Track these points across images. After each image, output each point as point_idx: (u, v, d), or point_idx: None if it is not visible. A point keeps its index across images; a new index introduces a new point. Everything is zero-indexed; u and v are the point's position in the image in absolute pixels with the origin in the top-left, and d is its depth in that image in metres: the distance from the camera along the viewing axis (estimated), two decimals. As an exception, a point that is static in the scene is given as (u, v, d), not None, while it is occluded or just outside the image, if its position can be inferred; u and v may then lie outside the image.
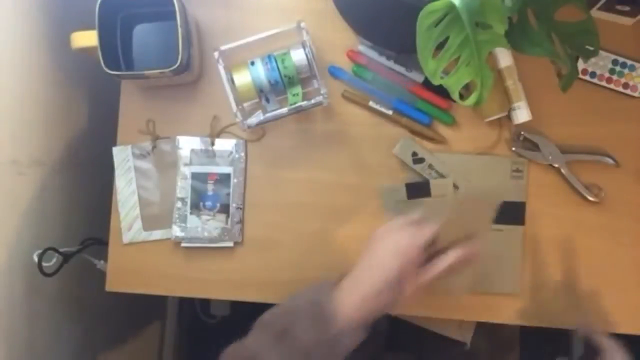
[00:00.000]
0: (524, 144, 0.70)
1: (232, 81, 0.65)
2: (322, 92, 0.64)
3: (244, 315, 0.60)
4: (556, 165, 0.69)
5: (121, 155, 0.71)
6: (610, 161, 0.70)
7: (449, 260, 0.54)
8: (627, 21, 0.70)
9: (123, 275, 0.70)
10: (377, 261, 0.55)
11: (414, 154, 0.69)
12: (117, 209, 0.70)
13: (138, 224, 0.70)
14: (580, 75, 0.70)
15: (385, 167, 0.70)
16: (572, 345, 0.69)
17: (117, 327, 0.99)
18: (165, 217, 0.70)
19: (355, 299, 0.54)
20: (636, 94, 0.70)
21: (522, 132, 0.69)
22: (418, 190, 0.69)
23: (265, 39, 0.64)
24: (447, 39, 0.52)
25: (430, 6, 0.50)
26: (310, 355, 0.53)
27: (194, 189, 0.70)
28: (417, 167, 0.69)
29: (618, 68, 0.70)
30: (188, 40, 0.64)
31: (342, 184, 0.70)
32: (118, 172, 0.71)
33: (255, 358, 0.53)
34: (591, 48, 0.56)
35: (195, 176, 0.70)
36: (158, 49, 0.69)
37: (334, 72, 0.70)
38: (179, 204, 0.69)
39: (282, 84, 0.65)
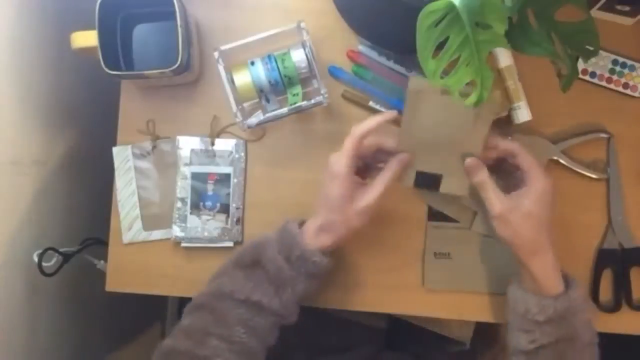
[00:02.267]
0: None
1: (232, 81, 0.64)
2: (322, 92, 0.64)
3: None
4: (554, 158, 0.69)
5: (121, 155, 0.71)
6: (604, 135, 0.70)
7: (385, 177, 0.59)
8: (627, 21, 0.70)
9: (123, 275, 0.70)
10: (322, 190, 0.60)
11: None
12: (117, 209, 0.70)
13: (138, 224, 0.70)
14: (580, 75, 0.70)
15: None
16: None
17: (117, 327, 0.99)
18: (165, 217, 0.70)
19: (311, 226, 0.59)
20: (636, 94, 0.70)
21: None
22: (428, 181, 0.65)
23: (265, 39, 0.64)
24: (447, 39, 0.52)
25: (430, 6, 0.50)
26: (279, 279, 0.58)
27: (194, 189, 0.70)
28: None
29: (618, 68, 0.70)
30: (188, 40, 0.64)
31: (342, 184, 0.70)
32: (118, 172, 0.71)
33: (233, 294, 0.58)
34: (591, 48, 0.56)
35: (195, 176, 0.70)
36: (158, 49, 0.69)
37: (334, 72, 0.70)
38: (179, 204, 0.69)
39: (282, 84, 0.65)
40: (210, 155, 0.70)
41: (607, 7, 0.68)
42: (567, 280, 0.60)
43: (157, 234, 0.70)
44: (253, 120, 0.66)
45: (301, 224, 0.62)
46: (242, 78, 0.65)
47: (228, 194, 0.70)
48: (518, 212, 0.59)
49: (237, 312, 0.58)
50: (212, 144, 0.70)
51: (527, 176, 0.59)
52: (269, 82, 0.65)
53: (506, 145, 0.61)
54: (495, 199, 0.59)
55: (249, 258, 0.60)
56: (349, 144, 0.59)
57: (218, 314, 0.58)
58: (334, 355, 0.81)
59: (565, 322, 0.58)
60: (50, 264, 0.69)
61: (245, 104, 0.67)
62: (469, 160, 0.60)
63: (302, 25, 0.64)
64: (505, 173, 0.63)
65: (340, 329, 0.84)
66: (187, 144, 0.70)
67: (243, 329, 0.58)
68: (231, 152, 0.70)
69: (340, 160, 0.58)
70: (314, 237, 0.59)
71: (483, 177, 0.60)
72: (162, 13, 0.66)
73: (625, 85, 0.70)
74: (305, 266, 0.58)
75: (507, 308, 0.63)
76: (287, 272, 0.58)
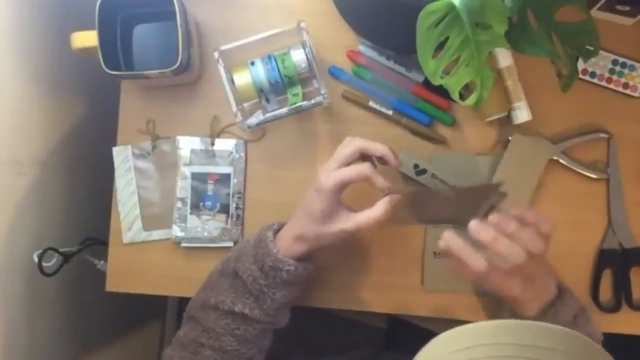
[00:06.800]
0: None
1: (232, 81, 0.64)
2: (322, 92, 0.64)
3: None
4: (554, 158, 0.69)
5: (121, 155, 0.71)
6: (604, 135, 0.70)
7: (369, 217, 0.56)
8: (627, 21, 0.70)
9: (123, 275, 0.70)
10: (304, 199, 0.59)
11: (416, 165, 0.69)
12: (117, 209, 0.70)
13: (138, 224, 0.70)
14: (580, 75, 0.70)
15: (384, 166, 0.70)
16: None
17: (117, 327, 0.99)
18: (165, 217, 0.70)
19: (287, 234, 0.59)
20: (636, 94, 0.70)
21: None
22: None
23: (265, 39, 0.64)
24: (447, 39, 0.52)
25: (430, 6, 0.50)
26: (256, 289, 0.58)
27: (194, 189, 0.70)
28: (421, 178, 0.68)
29: (618, 68, 0.70)
30: (188, 40, 0.64)
31: (342, 184, 0.70)
32: (118, 172, 0.71)
33: (218, 306, 0.58)
34: (591, 48, 0.56)
35: (195, 176, 0.70)
36: (158, 49, 0.69)
37: (334, 72, 0.70)
38: (179, 204, 0.69)
39: (282, 84, 0.65)
40: (210, 155, 0.70)
41: (607, 7, 0.68)
42: (560, 288, 0.58)
43: (157, 234, 0.70)
44: (253, 120, 0.66)
45: (280, 227, 0.61)
46: (242, 78, 0.65)
47: (228, 194, 0.70)
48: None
49: (224, 322, 0.58)
50: (212, 144, 0.70)
51: None
52: (269, 82, 0.65)
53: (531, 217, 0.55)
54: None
55: (231, 267, 0.60)
56: (342, 170, 0.56)
57: (207, 326, 0.59)
58: (334, 355, 0.81)
59: None
60: (50, 264, 0.69)
61: (245, 104, 0.67)
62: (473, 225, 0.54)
63: (302, 25, 0.63)
64: None
65: (340, 329, 0.84)
66: (187, 144, 0.70)
67: (232, 338, 0.58)
68: (231, 152, 0.70)
69: (331, 178, 0.55)
70: (288, 245, 0.58)
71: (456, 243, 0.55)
72: (162, 13, 0.66)
73: (625, 85, 0.70)
74: (279, 275, 0.57)
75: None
76: (262, 282, 0.57)
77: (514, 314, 0.58)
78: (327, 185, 0.55)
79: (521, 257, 0.51)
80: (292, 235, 0.58)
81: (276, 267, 0.57)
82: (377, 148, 0.57)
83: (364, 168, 0.56)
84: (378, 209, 0.56)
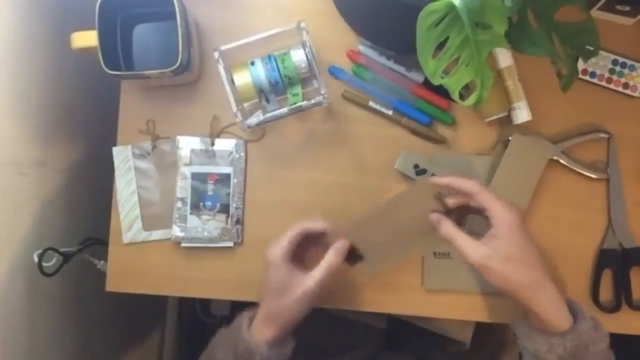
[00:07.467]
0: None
1: (232, 81, 0.64)
2: (322, 92, 0.64)
3: (243, 316, 0.61)
4: (554, 158, 0.69)
5: (121, 155, 0.71)
6: (604, 135, 0.70)
7: (324, 269, 0.57)
8: (627, 21, 0.70)
9: (123, 275, 0.70)
10: (262, 281, 0.60)
11: (416, 165, 0.69)
12: (117, 209, 0.70)
13: (138, 224, 0.70)
14: (580, 75, 0.70)
15: (385, 166, 0.70)
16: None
17: (117, 327, 0.99)
18: (165, 217, 0.70)
19: (258, 318, 0.59)
20: (636, 94, 0.70)
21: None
22: None
23: (265, 39, 0.64)
24: (447, 39, 0.52)
25: (430, 6, 0.50)
26: None
27: (194, 189, 0.70)
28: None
29: (618, 68, 0.70)
30: (188, 40, 0.64)
31: (342, 184, 0.70)
32: (118, 172, 0.71)
33: None
34: (591, 48, 0.56)
35: (195, 176, 0.70)
36: (158, 49, 0.69)
37: (334, 72, 0.70)
38: (179, 204, 0.69)
39: (282, 84, 0.65)
40: (210, 155, 0.70)
41: (607, 7, 0.68)
42: (573, 311, 0.56)
43: (157, 234, 0.70)
44: (253, 120, 0.66)
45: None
46: (242, 78, 0.65)
47: (228, 194, 0.70)
48: (496, 259, 0.54)
49: None
50: (212, 144, 0.70)
51: (489, 216, 0.55)
52: (269, 82, 0.65)
53: (461, 184, 0.57)
54: (467, 248, 0.55)
55: (212, 355, 0.60)
56: (285, 237, 0.59)
57: None
58: (334, 355, 0.81)
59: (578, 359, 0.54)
60: (50, 264, 0.69)
61: (245, 104, 0.67)
62: (432, 216, 0.58)
63: (302, 25, 0.63)
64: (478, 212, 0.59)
65: (340, 329, 0.84)
66: (187, 144, 0.70)
67: None
68: (231, 152, 0.70)
69: (275, 250, 0.58)
70: (260, 329, 0.57)
71: (447, 228, 0.56)
72: (162, 13, 0.66)
73: (625, 85, 0.70)
74: None
75: (518, 341, 0.61)
76: None
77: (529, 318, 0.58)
78: (275, 256, 0.58)
79: (475, 184, 0.56)
80: (261, 319, 0.58)
81: (249, 352, 0.56)
82: (315, 226, 0.60)
83: (297, 225, 0.59)
84: (328, 259, 0.58)
